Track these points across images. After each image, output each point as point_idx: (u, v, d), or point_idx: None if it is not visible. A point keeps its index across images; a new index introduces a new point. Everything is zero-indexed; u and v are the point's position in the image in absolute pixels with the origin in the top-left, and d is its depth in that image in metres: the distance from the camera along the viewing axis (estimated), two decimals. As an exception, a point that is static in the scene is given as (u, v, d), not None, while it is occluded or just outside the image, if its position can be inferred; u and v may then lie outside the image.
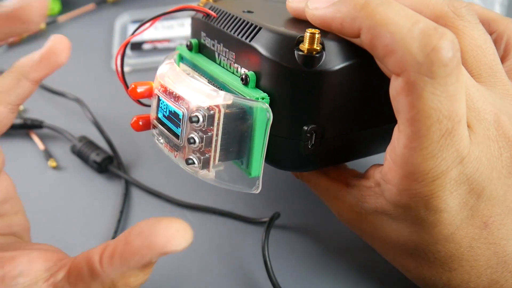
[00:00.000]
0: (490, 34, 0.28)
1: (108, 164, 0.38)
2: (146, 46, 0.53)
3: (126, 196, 0.36)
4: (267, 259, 0.27)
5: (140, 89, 0.25)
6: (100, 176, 0.38)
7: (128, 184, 0.37)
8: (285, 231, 0.32)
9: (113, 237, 0.33)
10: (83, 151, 0.39)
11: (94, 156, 0.38)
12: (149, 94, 0.26)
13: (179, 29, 0.56)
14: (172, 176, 0.37)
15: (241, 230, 0.33)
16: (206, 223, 0.33)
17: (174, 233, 0.18)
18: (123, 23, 0.59)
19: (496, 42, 0.27)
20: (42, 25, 0.61)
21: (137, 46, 0.53)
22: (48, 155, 0.40)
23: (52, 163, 0.39)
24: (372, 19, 0.20)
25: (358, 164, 0.28)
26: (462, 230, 0.22)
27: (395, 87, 0.20)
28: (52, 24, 0.62)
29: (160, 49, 0.53)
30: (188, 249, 0.27)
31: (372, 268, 0.29)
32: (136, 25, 0.58)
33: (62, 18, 0.63)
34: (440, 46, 0.19)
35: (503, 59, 0.27)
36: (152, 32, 0.55)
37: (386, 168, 0.22)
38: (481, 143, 0.21)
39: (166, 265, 0.30)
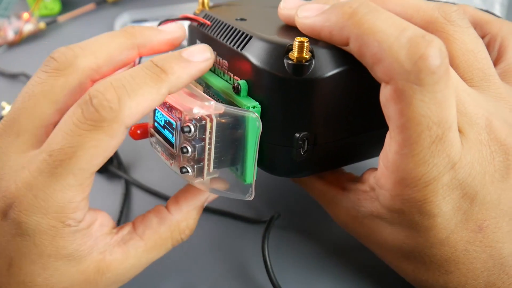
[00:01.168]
0: (484, 36, 0.28)
1: (108, 164, 0.38)
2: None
3: (126, 196, 0.36)
4: (267, 259, 0.27)
5: (139, 131, 0.27)
6: (100, 176, 0.38)
7: (128, 184, 0.37)
8: (285, 231, 0.32)
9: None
10: (83, 151, 0.39)
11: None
12: (146, 134, 0.27)
13: (179, 29, 0.56)
14: (172, 176, 0.37)
15: (241, 230, 0.33)
16: (206, 223, 0.33)
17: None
18: (123, 23, 0.59)
19: (489, 44, 0.27)
20: (42, 25, 0.61)
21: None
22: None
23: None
24: (360, 27, 0.20)
25: (355, 167, 0.28)
26: (456, 234, 0.22)
27: (385, 95, 0.20)
28: (52, 24, 0.63)
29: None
30: (188, 248, 0.27)
31: (372, 268, 0.29)
32: (136, 26, 0.58)
33: (62, 18, 0.63)
34: (428, 54, 0.19)
35: (496, 61, 0.27)
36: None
37: (379, 173, 0.22)
38: (473, 148, 0.21)
39: (167, 265, 0.30)
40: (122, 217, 0.35)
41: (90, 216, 0.24)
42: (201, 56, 0.24)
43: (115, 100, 0.20)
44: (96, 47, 0.24)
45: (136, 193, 0.37)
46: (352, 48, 0.21)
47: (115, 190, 0.37)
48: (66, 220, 0.22)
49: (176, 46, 0.27)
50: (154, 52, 0.26)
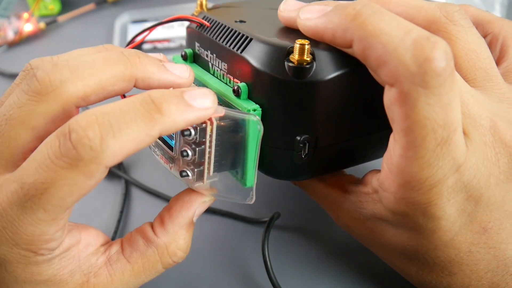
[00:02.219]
0: (485, 35, 0.28)
1: (108, 164, 0.38)
2: (146, 46, 0.53)
3: (126, 196, 0.36)
4: (267, 259, 0.27)
5: None
6: (100, 176, 0.38)
7: (128, 184, 0.37)
8: (285, 231, 0.32)
9: (113, 238, 0.33)
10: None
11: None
12: None
13: (179, 29, 0.56)
14: (172, 176, 0.37)
15: (241, 230, 0.33)
16: (206, 223, 0.33)
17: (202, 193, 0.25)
18: (123, 23, 0.59)
19: (491, 43, 0.27)
20: (42, 25, 0.61)
21: (137, 46, 0.53)
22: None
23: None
24: (364, 29, 0.20)
25: (356, 169, 0.28)
26: (461, 236, 0.22)
27: (389, 98, 0.20)
28: (52, 24, 0.63)
29: (160, 49, 0.53)
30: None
31: (372, 268, 0.29)
32: (136, 25, 0.58)
33: (62, 18, 0.63)
34: (433, 56, 0.19)
35: (499, 60, 0.27)
36: (152, 32, 0.55)
37: (383, 176, 0.22)
38: (477, 150, 0.21)
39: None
40: (122, 217, 0.35)
41: (70, 239, 0.22)
42: (203, 102, 0.21)
43: (96, 139, 0.18)
44: (88, 72, 0.21)
45: (136, 193, 0.37)
46: (356, 50, 0.21)
47: (115, 190, 0.37)
48: (38, 250, 0.20)
49: None
50: (150, 89, 0.23)
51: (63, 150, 0.18)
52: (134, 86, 0.23)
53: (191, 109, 0.21)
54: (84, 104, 0.21)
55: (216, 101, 0.22)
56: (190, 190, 0.25)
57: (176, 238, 0.25)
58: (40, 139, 0.21)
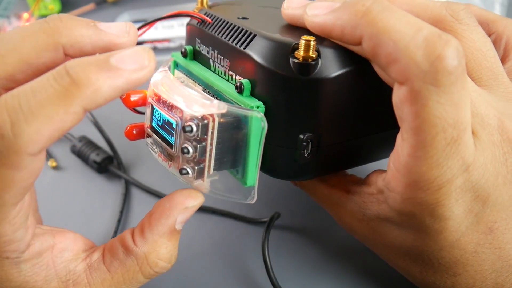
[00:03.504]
0: (489, 35, 0.27)
1: (108, 164, 0.38)
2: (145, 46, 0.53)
3: (126, 196, 0.36)
4: (267, 259, 0.27)
5: (133, 98, 0.24)
6: (100, 176, 0.38)
7: (128, 184, 0.37)
8: (285, 231, 0.32)
9: (113, 237, 0.33)
10: (83, 151, 0.39)
11: (94, 156, 0.38)
12: (143, 102, 0.25)
13: (179, 29, 0.56)
14: (172, 176, 0.37)
15: (241, 230, 0.33)
16: (206, 223, 0.33)
17: (189, 192, 0.23)
18: (123, 23, 0.59)
19: (495, 43, 0.27)
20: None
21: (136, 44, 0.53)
22: (48, 155, 0.40)
23: (52, 163, 0.39)
24: (374, 26, 0.20)
25: (357, 169, 0.28)
26: (467, 236, 0.22)
27: (399, 96, 0.20)
28: (52, 24, 0.62)
29: (160, 49, 0.53)
30: (188, 248, 0.27)
31: (372, 268, 0.29)
32: (135, 25, 0.58)
33: (62, 18, 0.63)
34: (445, 54, 0.18)
35: (503, 60, 0.27)
36: (152, 32, 0.55)
37: (389, 176, 0.22)
38: (486, 150, 0.21)
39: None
40: (122, 217, 0.35)
41: (41, 243, 0.21)
42: (135, 63, 0.19)
43: (6, 126, 0.16)
44: (5, 49, 0.19)
45: (136, 193, 0.37)
46: (365, 47, 0.20)
47: (115, 190, 0.37)
48: (2, 253, 0.19)
49: None
50: (85, 55, 0.19)
51: None
52: (66, 54, 0.20)
53: (118, 73, 0.18)
54: (13, 84, 0.19)
55: (153, 58, 0.19)
56: (172, 196, 0.24)
57: (156, 247, 0.23)
58: None
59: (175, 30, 0.56)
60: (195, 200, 0.24)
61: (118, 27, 0.21)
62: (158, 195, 0.36)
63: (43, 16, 0.65)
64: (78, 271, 0.22)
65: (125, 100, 0.24)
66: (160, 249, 0.23)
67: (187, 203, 0.23)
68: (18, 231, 0.19)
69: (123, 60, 0.18)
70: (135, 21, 0.59)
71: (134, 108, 0.26)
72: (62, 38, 0.20)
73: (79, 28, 0.20)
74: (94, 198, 0.37)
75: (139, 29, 0.27)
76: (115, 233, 0.33)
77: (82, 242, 0.24)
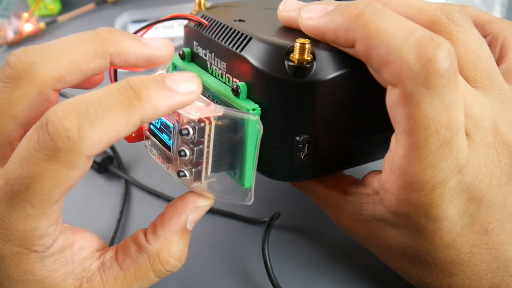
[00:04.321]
0: (485, 36, 0.27)
1: (108, 164, 0.38)
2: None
3: (126, 196, 0.36)
4: (267, 259, 0.27)
5: (133, 133, 0.26)
6: (100, 176, 0.38)
7: (128, 184, 0.37)
8: (285, 231, 0.32)
9: (113, 238, 0.33)
10: (83, 151, 0.39)
11: (94, 156, 0.38)
12: (141, 136, 0.26)
13: (179, 29, 0.56)
14: (171, 177, 0.37)
15: (241, 230, 0.33)
16: (206, 223, 0.33)
17: (200, 194, 0.24)
18: (123, 23, 0.59)
19: (491, 44, 0.27)
20: (42, 25, 0.61)
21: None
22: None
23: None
24: (367, 29, 0.20)
25: (355, 169, 0.28)
26: (462, 237, 0.22)
27: (392, 98, 0.20)
28: (52, 24, 0.63)
29: (160, 49, 0.53)
30: (188, 248, 0.27)
31: (372, 268, 0.29)
32: (136, 25, 0.58)
33: (62, 18, 0.63)
34: (437, 57, 0.18)
35: (498, 61, 0.27)
36: (152, 32, 0.55)
37: (384, 177, 0.22)
38: (479, 151, 0.21)
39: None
40: (122, 217, 0.35)
41: (64, 239, 0.22)
42: (186, 87, 0.21)
43: (74, 129, 0.18)
44: (59, 52, 0.21)
45: (136, 193, 0.37)
46: (358, 50, 0.21)
47: (115, 190, 0.37)
48: (32, 246, 0.20)
49: (155, 66, 0.24)
50: (129, 66, 0.23)
51: (42, 142, 0.18)
52: (111, 63, 0.22)
53: (172, 94, 0.20)
54: (62, 85, 0.21)
55: (200, 84, 0.21)
56: (184, 196, 0.25)
57: (168, 245, 0.24)
58: (23, 127, 0.21)
59: (175, 30, 0.56)
60: (205, 201, 0.25)
61: (159, 42, 0.23)
62: (158, 195, 0.36)
63: (43, 16, 0.65)
64: (93, 269, 0.23)
65: (127, 136, 0.25)
66: (171, 247, 0.24)
67: (198, 202, 0.24)
68: (51, 226, 0.20)
69: (176, 83, 0.20)
70: (135, 21, 0.59)
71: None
72: (110, 47, 0.22)
73: (126, 40, 0.22)
74: (94, 198, 0.37)
75: (136, 32, 0.27)
76: (115, 233, 0.33)
77: (97, 241, 0.24)
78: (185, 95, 0.20)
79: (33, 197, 0.19)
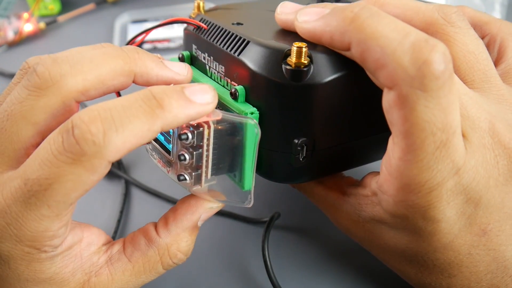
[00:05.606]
0: (483, 37, 0.27)
1: (108, 164, 0.38)
2: (146, 46, 0.53)
3: (126, 196, 0.36)
4: (267, 259, 0.27)
5: None
6: (100, 176, 0.38)
7: (128, 184, 0.37)
8: (285, 231, 0.32)
9: (113, 237, 0.33)
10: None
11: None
12: None
13: (179, 29, 0.56)
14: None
15: (241, 230, 0.33)
16: (206, 223, 0.33)
17: (213, 194, 0.25)
18: (123, 23, 0.59)
19: (489, 45, 0.27)
20: (42, 25, 0.61)
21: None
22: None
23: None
24: (362, 32, 0.20)
25: (354, 171, 0.28)
26: (460, 238, 0.22)
27: (388, 101, 0.20)
28: (52, 24, 0.63)
29: (160, 49, 0.53)
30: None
31: (372, 269, 0.29)
32: (136, 25, 0.58)
33: (62, 18, 0.63)
34: (432, 59, 0.18)
35: (496, 62, 0.26)
36: (152, 32, 0.55)
37: (382, 179, 0.22)
38: (476, 152, 0.21)
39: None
40: (122, 217, 0.35)
41: (72, 237, 0.23)
42: (204, 98, 0.21)
43: (99, 135, 0.18)
44: (87, 67, 0.21)
45: (136, 193, 0.37)
46: (354, 53, 0.21)
47: (115, 190, 0.37)
48: (42, 247, 0.21)
49: None
50: (148, 85, 0.23)
51: (66, 146, 0.19)
52: (133, 81, 0.23)
53: (191, 105, 0.21)
54: (84, 98, 0.22)
55: (216, 96, 0.22)
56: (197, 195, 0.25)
57: (178, 240, 0.25)
58: (42, 134, 0.21)
59: (175, 30, 0.56)
60: (218, 203, 0.25)
61: (179, 66, 0.24)
62: (158, 195, 0.36)
63: (43, 16, 0.65)
64: (100, 263, 0.24)
65: None
66: (181, 241, 0.25)
67: (211, 204, 0.25)
68: (62, 228, 0.21)
69: (195, 94, 0.21)
70: (135, 21, 0.59)
71: None
72: (136, 67, 0.22)
73: (150, 62, 0.23)
74: (94, 198, 0.37)
75: (136, 37, 0.27)
76: (115, 233, 0.33)
77: (104, 236, 0.25)
78: (202, 106, 0.21)
79: (50, 199, 0.19)
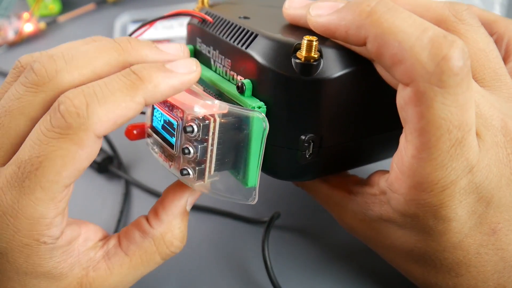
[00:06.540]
0: (490, 35, 0.28)
1: (108, 164, 0.38)
2: (146, 46, 0.53)
3: (126, 196, 0.36)
4: (267, 259, 0.27)
5: (135, 131, 0.26)
6: (100, 176, 0.38)
7: (128, 184, 0.37)
8: (285, 231, 0.32)
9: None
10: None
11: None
12: (143, 134, 0.26)
13: (179, 29, 0.56)
14: (172, 176, 0.37)
15: (241, 230, 0.33)
16: (206, 223, 0.33)
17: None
18: (123, 23, 0.59)
19: (496, 43, 0.27)
20: (42, 25, 0.61)
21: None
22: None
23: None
24: (379, 27, 0.20)
25: (359, 169, 0.28)
26: (470, 237, 0.22)
27: (403, 97, 0.20)
28: (52, 24, 0.62)
29: (160, 49, 0.53)
30: (188, 248, 0.27)
31: (373, 268, 0.29)
32: (136, 25, 0.58)
33: (62, 18, 0.63)
34: (451, 55, 0.18)
35: (504, 60, 0.26)
36: (152, 32, 0.55)
37: (392, 177, 0.22)
38: (489, 151, 0.21)
39: (167, 265, 0.30)
40: (122, 217, 0.35)
41: (71, 232, 0.23)
42: (186, 67, 0.22)
43: (82, 107, 0.19)
44: (82, 61, 0.21)
45: (136, 193, 0.37)
46: (370, 48, 0.20)
47: (115, 190, 0.37)
48: (41, 237, 0.21)
49: None
50: None
51: (53, 122, 0.19)
52: None
53: (173, 74, 0.21)
54: None
55: (199, 65, 0.22)
56: (179, 181, 0.26)
57: (171, 227, 0.25)
58: None
59: (175, 30, 0.56)
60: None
61: (175, 48, 0.24)
62: (158, 195, 0.36)
63: (43, 16, 0.65)
64: (97, 258, 0.24)
65: (128, 133, 0.26)
66: (174, 229, 0.25)
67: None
68: (58, 216, 0.21)
69: (176, 66, 0.22)
70: (135, 21, 0.59)
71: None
72: (130, 57, 0.22)
73: (144, 49, 0.23)
74: (94, 198, 0.37)
75: (139, 28, 0.27)
76: (115, 233, 0.33)
77: (101, 232, 0.25)
78: (185, 75, 0.22)
79: (43, 179, 0.20)
